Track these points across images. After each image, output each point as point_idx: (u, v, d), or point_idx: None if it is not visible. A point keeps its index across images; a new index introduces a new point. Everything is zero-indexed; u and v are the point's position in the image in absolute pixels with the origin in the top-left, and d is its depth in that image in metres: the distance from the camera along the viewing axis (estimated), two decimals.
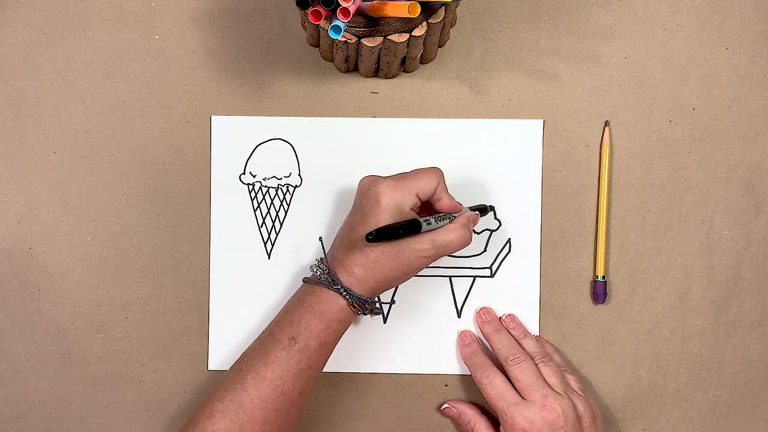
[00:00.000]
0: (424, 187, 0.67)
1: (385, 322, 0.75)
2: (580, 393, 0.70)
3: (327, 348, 0.67)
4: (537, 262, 0.75)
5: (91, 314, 0.75)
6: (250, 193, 0.75)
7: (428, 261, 0.66)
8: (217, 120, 0.75)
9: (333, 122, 0.75)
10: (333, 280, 0.66)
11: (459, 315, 0.75)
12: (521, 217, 0.75)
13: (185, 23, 0.75)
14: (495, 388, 0.69)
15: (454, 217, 0.68)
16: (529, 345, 0.72)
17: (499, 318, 0.74)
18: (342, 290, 0.65)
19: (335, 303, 0.66)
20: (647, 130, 0.75)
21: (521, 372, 0.69)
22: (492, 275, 0.75)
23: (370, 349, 0.75)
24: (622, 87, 0.75)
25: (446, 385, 0.75)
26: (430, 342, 0.75)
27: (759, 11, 0.75)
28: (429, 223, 0.66)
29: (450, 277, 0.75)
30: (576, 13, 0.75)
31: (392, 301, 0.75)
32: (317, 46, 0.75)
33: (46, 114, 0.75)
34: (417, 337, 0.75)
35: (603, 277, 0.74)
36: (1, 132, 0.75)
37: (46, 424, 0.75)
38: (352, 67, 0.74)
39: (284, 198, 0.75)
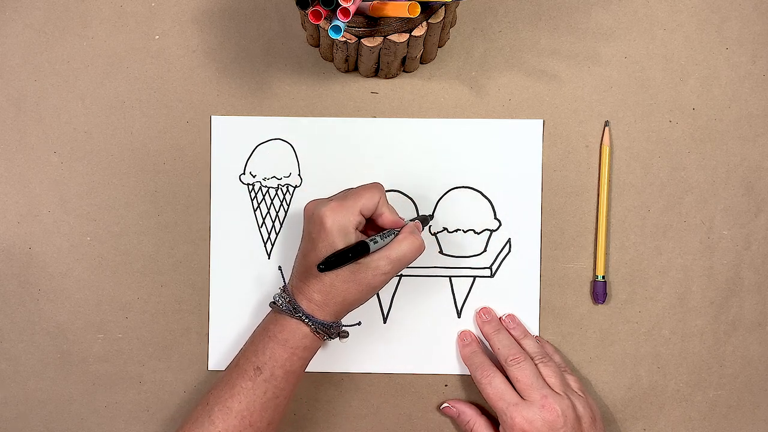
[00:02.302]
0: (366, 203, 0.67)
1: (385, 322, 0.75)
2: (580, 393, 0.70)
3: (293, 376, 0.66)
4: (537, 262, 0.75)
5: (91, 314, 0.75)
6: (250, 193, 0.75)
7: (387, 277, 0.66)
8: (217, 120, 0.75)
9: (333, 122, 0.75)
10: (294, 308, 0.66)
11: (459, 315, 0.75)
12: (521, 217, 0.75)
13: (185, 23, 0.75)
14: (494, 388, 0.69)
15: (398, 231, 0.68)
16: (529, 345, 0.72)
17: (499, 318, 0.74)
18: (304, 317, 0.66)
19: (298, 330, 0.66)
20: (647, 130, 0.75)
21: (521, 372, 0.69)
22: (492, 275, 0.75)
23: (370, 349, 0.75)
24: (622, 87, 0.75)
25: (446, 385, 0.75)
26: (430, 342, 0.75)
27: (759, 11, 0.75)
28: (376, 242, 0.66)
29: (450, 277, 0.75)
30: (576, 13, 0.75)
31: (392, 301, 0.75)
32: (317, 46, 0.75)
33: (46, 114, 0.75)
34: (417, 337, 0.75)
35: (603, 277, 0.74)
36: (1, 132, 0.75)
37: (46, 424, 0.75)
38: (352, 67, 0.74)
39: (284, 198, 0.75)
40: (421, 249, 0.67)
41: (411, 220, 0.71)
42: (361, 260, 0.65)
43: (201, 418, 0.65)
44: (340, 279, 0.65)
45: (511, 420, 0.67)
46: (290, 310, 0.66)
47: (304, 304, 0.66)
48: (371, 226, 0.69)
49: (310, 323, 0.66)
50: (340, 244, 0.65)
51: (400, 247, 0.66)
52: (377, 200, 0.67)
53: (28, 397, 0.75)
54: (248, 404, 0.65)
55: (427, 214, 0.74)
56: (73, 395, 0.75)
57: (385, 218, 0.68)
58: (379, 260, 0.65)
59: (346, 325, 0.72)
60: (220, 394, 0.66)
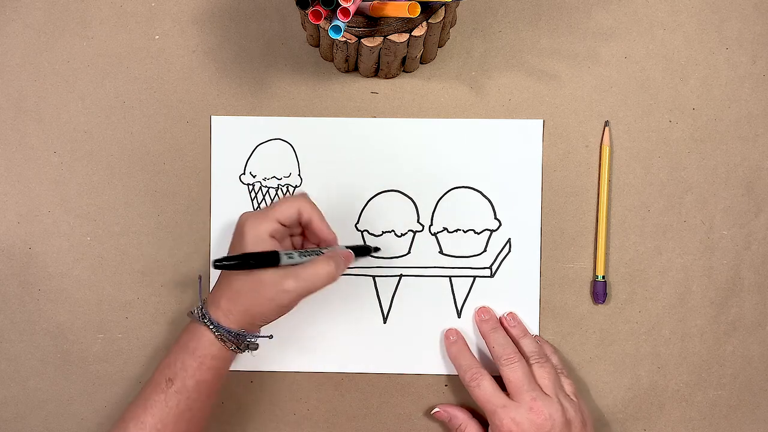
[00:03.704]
0: (284, 210, 0.65)
1: (385, 322, 0.75)
2: (573, 397, 0.70)
3: (205, 386, 0.65)
4: (537, 262, 0.75)
5: (91, 314, 0.75)
6: (250, 193, 0.75)
7: (292, 296, 0.63)
8: (217, 120, 0.75)
9: (333, 122, 0.75)
10: (203, 314, 0.65)
11: (459, 315, 0.75)
12: (521, 217, 0.75)
13: (185, 23, 0.75)
14: (483, 390, 0.69)
15: (322, 252, 0.66)
16: (528, 344, 0.72)
17: (501, 316, 0.74)
18: (209, 323, 0.65)
19: (204, 337, 0.65)
20: (647, 130, 0.75)
21: (513, 373, 0.69)
22: (492, 275, 0.75)
23: (370, 349, 0.75)
24: (622, 87, 0.75)
25: (446, 385, 0.75)
26: (430, 342, 0.75)
27: (759, 11, 0.75)
28: (291, 257, 0.63)
29: (450, 277, 0.75)
30: (576, 13, 0.75)
31: (392, 301, 0.75)
32: (317, 46, 0.75)
33: (46, 114, 0.75)
34: (417, 337, 0.75)
35: (603, 277, 0.74)
36: (1, 132, 0.75)
37: (46, 424, 0.75)
38: (352, 67, 0.74)
39: None
40: (333, 278, 0.64)
41: (348, 247, 0.69)
42: (268, 272, 0.63)
43: None
44: (246, 286, 0.63)
45: (499, 422, 0.67)
46: (199, 316, 0.65)
47: (212, 311, 0.65)
48: (309, 241, 0.68)
49: (214, 330, 0.64)
50: (250, 249, 0.64)
51: (311, 269, 0.63)
52: (296, 208, 0.65)
53: (28, 397, 0.75)
54: (161, 417, 0.64)
55: (371, 246, 0.73)
56: (73, 395, 0.75)
57: (315, 227, 0.66)
58: (285, 277, 0.63)
59: (259, 336, 0.68)
60: (134, 409, 0.65)
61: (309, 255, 0.65)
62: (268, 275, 0.63)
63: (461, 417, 0.73)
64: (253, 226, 0.64)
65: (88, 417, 0.75)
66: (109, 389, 0.75)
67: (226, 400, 0.75)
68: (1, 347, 0.75)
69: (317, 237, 0.67)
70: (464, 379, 0.71)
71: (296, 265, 0.64)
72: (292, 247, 0.68)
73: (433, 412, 0.74)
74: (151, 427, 0.64)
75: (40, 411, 0.75)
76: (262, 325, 0.66)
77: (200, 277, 0.72)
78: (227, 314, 0.65)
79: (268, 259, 0.62)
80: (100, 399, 0.75)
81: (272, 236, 0.64)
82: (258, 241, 0.63)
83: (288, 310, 0.65)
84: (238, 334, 0.65)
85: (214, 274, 0.74)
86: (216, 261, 0.61)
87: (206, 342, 0.65)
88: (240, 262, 0.62)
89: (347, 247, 0.69)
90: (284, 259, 0.63)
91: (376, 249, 0.73)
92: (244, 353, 0.67)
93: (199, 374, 0.65)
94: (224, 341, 0.65)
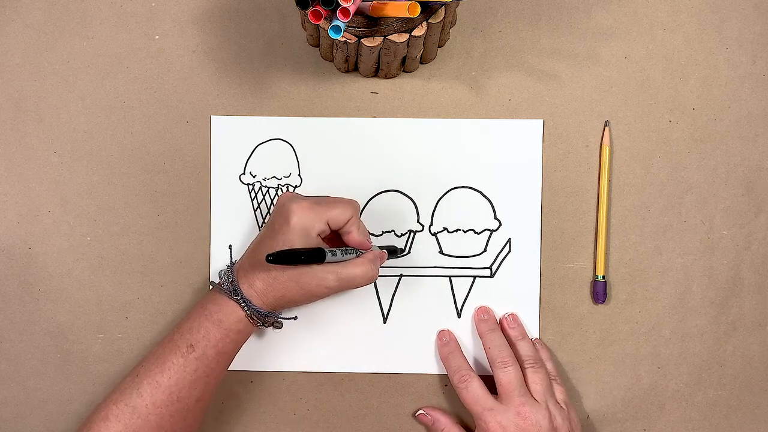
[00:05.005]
0: (337, 216, 0.66)
1: (385, 322, 0.75)
2: (563, 405, 0.70)
3: (225, 357, 0.67)
4: (537, 262, 0.75)
5: (91, 314, 0.75)
6: (250, 193, 0.75)
7: (330, 292, 0.66)
8: (217, 120, 0.75)
9: (333, 122, 0.75)
10: (234, 290, 0.66)
11: (459, 315, 0.75)
12: (521, 217, 0.75)
13: (185, 23, 0.75)
14: (471, 392, 0.69)
15: (362, 252, 0.68)
16: (524, 348, 0.72)
17: (501, 317, 0.74)
18: (241, 301, 0.66)
19: (234, 313, 0.66)
20: (647, 130, 0.75)
21: (505, 376, 0.69)
22: (492, 275, 0.75)
23: (370, 349, 0.75)
24: (622, 87, 0.75)
25: (446, 385, 0.75)
26: (430, 342, 0.75)
27: (759, 11, 0.75)
28: (334, 255, 0.65)
29: (450, 277, 0.75)
30: (576, 13, 0.75)
31: (392, 301, 0.75)
32: (317, 46, 0.75)
33: (46, 114, 0.75)
34: (417, 337, 0.75)
35: (603, 277, 0.74)
36: (1, 132, 0.75)
37: (46, 424, 0.75)
38: (352, 67, 0.74)
39: None
40: (371, 279, 0.67)
41: (381, 248, 0.71)
42: (312, 266, 0.65)
43: (129, 389, 0.65)
44: (285, 275, 0.65)
45: (485, 424, 0.68)
46: (230, 291, 0.66)
47: (245, 288, 0.66)
48: (337, 240, 0.69)
49: (246, 308, 0.66)
50: (297, 243, 0.65)
51: (353, 269, 0.66)
52: (348, 217, 0.67)
53: (28, 397, 0.75)
54: (178, 380, 0.65)
55: (397, 247, 0.73)
56: (73, 395, 0.75)
57: (352, 238, 0.68)
58: (327, 273, 0.65)
59: (283, 318, 0.71)
60: (151, 367, 0.66)
61: (350, 253, 0.67)
62: (311, 269, 0.65)
63: (444, 421, 0.73)
64: (301, 219, 0.65)
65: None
66: (109, 389, 0.75)
67: (226, 400, 0.75)
68: (1, 347, 0.75)
69: (352, 245, 0.68)
70: (453, 380, 0.71)
71: (338, 262, 0.66)
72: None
73: (416, 414, 0.74)
74: (166, 388, 0.65)
75: (40, 411, 0.75)
76: (290, 308, 0.68)
77: (230, 246, 0.73)
78: (261, 296, 0.66)
79: (315, 256, 0.64)
80: (100, 399, 0.74)
81: (318, 236, 0.66)
82: (306, 238, 0.65)
83: (318, 300, 0.67)
84: (267, 315, 0.67)
85: (215, 267, 0.75)
86: (269, 256, 0.62)
87: (235, 318, 0.66)
88: (292, 258, 0.63)
89: (380, 248, 0.71)
90: (329, 257, 0.65)
91: (402, 250, 0.74)
92: (266, 329, 0.68)
93: (222, 345, 0.66)
94: (252, 319, 0.66)
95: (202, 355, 0.65)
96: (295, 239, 0.65)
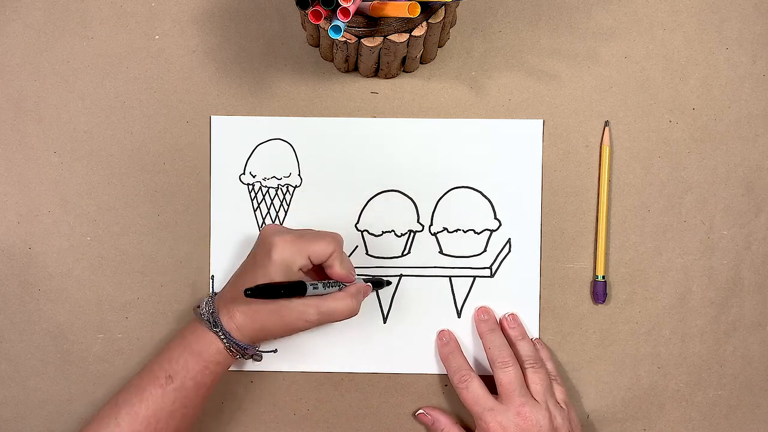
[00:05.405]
0: (319, 251, 0.66)
1: (385, 322, 0.75)
2: (563, 405, 0.70)
3: (203, 389, 0.67)
4: (537, 262, 0.75)
5: (91, 314, 0.75)
6: (250, 193, 0.75)
7: (310, 325, 0.66)
8: (217, 120, 0.75)
9: (333, 122, 0.75)
10: (214, 322, 0.66)
11: (459, 315, 0.75)
12: (521, 217, 0.75)
13: (185, 23, 0.75)
14: (471, 392, 0.69)
15: (344, 285, 0.68)
16: (524, 348, 0.72)
17: (501, 317, 0.74)
18: (221, 333, 0.66)
19: (213, 345, 0.66)
20: (647, 130, 0.75)
21: (506, 376, 0.69)
22: (492, 275, 0.75)
23: (370, 349, 0.75)
24: (622, 87, 0.75)
25: (446, 385, 0.75)
26: (430, 342, 0.75)
27: (759, 11, 0.75)
28: (315, 288, 0.65)
29: (450, 277, 0.75)
30: (576, 13, 0.75)
31: (392, 301, 0.75)
32: (317, 46, 0.75)
33: (46, 114, 0.75)
34: (417, 337, 0.75)
35: (603, 277, 0.74)
36: (1, 132, 0.75)
37: (46, 424, 0.75)
38: (352, 67, 0.74)
39: (284, 198, 0.75)
40: (352, 313, 0.67)
41: (366, 281, 0.71)
42: (293, 301, 0.65)
43: (107, 418, 0.65)
44: (266, 308, 0.65)
45: (485, 424, 0.68)
46: (210, 323, 0.66)
47: (225, 321, 0.66)
48: (320, 272, 0.69)
49: (225, 340, 0.66)
50: (278, 277, 0.65)
51: (333, 303, 0.66)
52: (330, 252, 0.66)
53: (28, 397, 0.75)
54: (156, 411, 0.65)
55: (383, 279, 0.74)
56: (73, 395, 0.75)
57: (334, 272, 0.67)
58: (308, 306, 0.65)
59: (262, 351, 0.71)
60: (129, 397, 0.66)
61: (333, 286, 0.67)
62: (292, 303, 0.65)
63: (444, 421, 0.73)
64: (283, 253, 0.65)
65: (88, 417, 0.75)
66: (109, 389, 0.75)
67: (226, 400, 0.75)
68: (1, 347, 0.75)
69: (336, 278, 0.68)
70: (453, 380, 0.71)
71: (319, 296, 0.66)
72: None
73: (416, 414, 0.74)
74: (144, 418, 0.65)
75: (40, 411, 0.75)
76: (270, 340, 0.69)
77: (212, 277, 0.72)
78: (241, 328, 0.66)
79: (295, 290, 0.64)
80: (100, 399, 0.75)
81: (300, 270, 0.66)
82: (286, 271, 0.65)
83: (299, 332, 0.68)
84: (247, 348, 0.67)
85: (217, 273, 0.75)
86: (247, 290, 0.62)
87: (214, 349, 0.66)
88: (271, 293, 0.63)
89: (365, 280, 0.71)
90: (310, 290, 0.65)
91: (389, 283, 0.74)
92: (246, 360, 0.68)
93: (201, 377, 0.66)
94: (232, 351, 0.66)
95: (180, 386, 0.65)
96: (275, 273, 0.65)
